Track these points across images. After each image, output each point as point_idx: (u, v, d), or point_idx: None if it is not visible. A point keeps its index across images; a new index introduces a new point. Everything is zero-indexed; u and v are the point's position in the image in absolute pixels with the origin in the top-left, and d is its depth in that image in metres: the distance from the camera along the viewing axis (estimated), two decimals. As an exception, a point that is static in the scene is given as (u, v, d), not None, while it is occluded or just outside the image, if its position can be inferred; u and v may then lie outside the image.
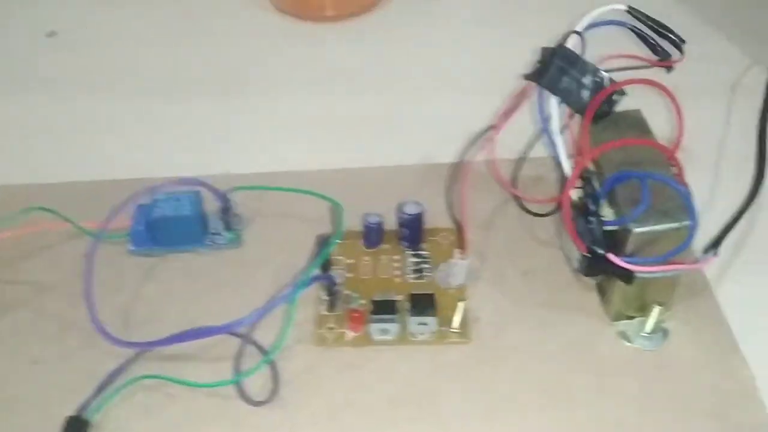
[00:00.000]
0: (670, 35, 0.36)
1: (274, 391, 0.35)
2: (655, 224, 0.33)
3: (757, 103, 0.48)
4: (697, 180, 0.44)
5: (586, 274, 0.36)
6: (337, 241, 0.39)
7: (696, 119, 0.49)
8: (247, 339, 0.35)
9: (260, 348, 0.36)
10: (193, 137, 0.50)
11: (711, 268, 0.39)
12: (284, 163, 0.46)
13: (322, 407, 0.34)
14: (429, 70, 0.54)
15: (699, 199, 0.43)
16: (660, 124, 0.39)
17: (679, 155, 0.41)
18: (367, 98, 0.52)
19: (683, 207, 0.33)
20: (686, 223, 0.32)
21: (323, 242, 0.35)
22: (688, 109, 0.49)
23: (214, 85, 0.54)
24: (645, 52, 0.37)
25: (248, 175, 0.45)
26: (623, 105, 0.38)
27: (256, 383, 0.35)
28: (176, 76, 0.55)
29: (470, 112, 0.45)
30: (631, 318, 0.37)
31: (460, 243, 0.38)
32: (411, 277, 0.39)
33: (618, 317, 0.37)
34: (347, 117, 0.50)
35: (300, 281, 0.34)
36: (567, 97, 0.35)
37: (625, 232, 0.33)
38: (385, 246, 0.41)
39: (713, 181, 0.44)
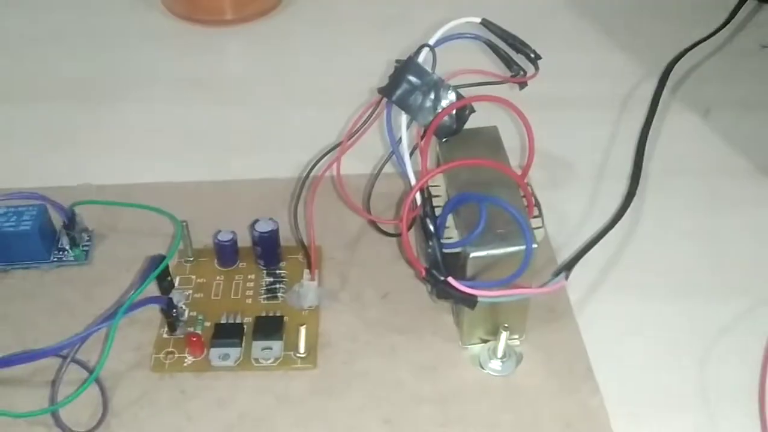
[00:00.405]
0: (526, 50, 0.35)
1: (101, 421, 0.33)
2: (492, 248, 0.31)
3: (644, 118, 0.48)
4: (576, 196, 0.44)
5: (439, 297, 0.35)
6: (179, 261, 0.38)
7: (583, 132, 0.49)
8: (68, 363, 0.32)
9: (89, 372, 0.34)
10: (54, 146, 0.47)
11: (576, 289, 0.38)
12: (147, 175, 0.44)
13: (148, 439, 0.33)
14: (309, 81, 0.53)
15: (574, 217, 0.43)
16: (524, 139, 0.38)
17: (555, 170, 0.41)
18: (240, 108, 0.50)
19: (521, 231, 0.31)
20: (523, 247, 0.31)
21: (156, 262, 0.33)
22: (576, 122, 0.49)
23: (87, 91, 0.52)
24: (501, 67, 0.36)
25: (109, 186, 0.43)
26: (483, 120, 0.37)
27: (85, 412, 0.33)
28: (48, 80, 0.53)
29: (343, 125, 0.43)
30: (484, 341, 0.35)
31: (308, 263, 0.37)
32: (263, 299, 0.37)
33: (469, 341, 0.35)
34: (218, 127, 0.49)
35: (125, 304, 0.32)
36: (415, 114, 0.34)
37: (464, 255, 0.32)
38: (241, 265, 0.39)
39: (592, 198, 0.43)
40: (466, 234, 0.32)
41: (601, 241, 0.39)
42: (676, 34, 0.54)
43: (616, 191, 0.43)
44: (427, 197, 0.32)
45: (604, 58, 0.54)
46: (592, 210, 0.42)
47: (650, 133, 0.46)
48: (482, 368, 0.35)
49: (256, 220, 0.38)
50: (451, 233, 0.33)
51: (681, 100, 0.50)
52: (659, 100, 0.48)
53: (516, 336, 0.35)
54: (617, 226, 0.39)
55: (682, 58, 0.52)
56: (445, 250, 0.32)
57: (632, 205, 0.42)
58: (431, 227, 0.31)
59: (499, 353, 0.34)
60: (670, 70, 0.50)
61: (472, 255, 0.31)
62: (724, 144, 0.47)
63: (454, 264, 0.33)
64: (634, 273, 0.39)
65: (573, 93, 0.50)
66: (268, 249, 0.38)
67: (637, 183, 0.42)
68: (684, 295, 0.38)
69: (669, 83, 0.50)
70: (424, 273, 0.32)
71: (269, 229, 0.37)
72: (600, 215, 0.42)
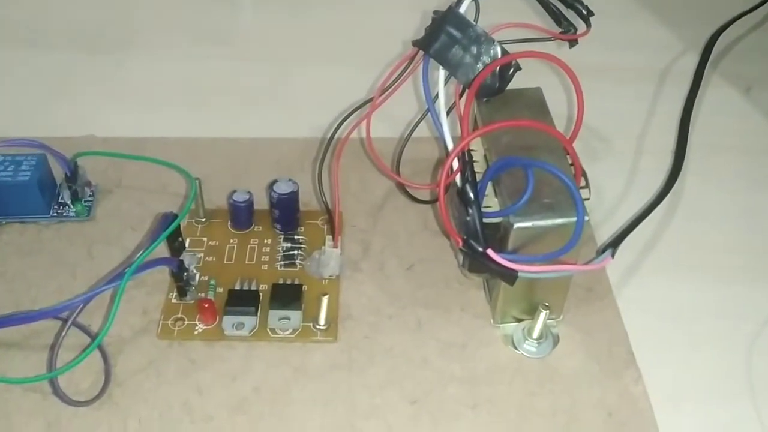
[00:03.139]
0: (577, 5, 0.32)
1: (104, 391, 0.30)
2: (538, 219, 0.28)
3: (685, 92, 0.45)
4: (614, 171, 0.41)
5: (471, 270, 0.32)
6: (189, 221, 0.35)
7: (621, 105, 0.46)
8: (69, 326, 0.29)
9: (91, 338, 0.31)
10: (59, 95, 0.44)
11: (615, 269, 0.35)
12: (157, 130, 0.41)
13: (154, 411, 0.30)
14: (334, 37, 0.50)
15: (613, 193, 0.41)
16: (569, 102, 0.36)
17: (592, 142, 0.38)
18: (258, 64, 0.47)
19: (572, 201, 0.29)
20: (573, 219, 0.28)
21: (167, 221, 0.30)
22: (614, 94, 0.46)
23: (97, 40, 0.49)
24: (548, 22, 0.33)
25: (115, 139, 0.40)
26: (523, 82, 0.34)
27: (86, 380, 0.31)
28: (57, 26, 0.50)
29: (369, 87, 0.41)
30: (518, 321, 0.33)
31: (332, 229, 0.34)
32: (280, 265, 0.35)
33: (503, 319, 0.33)
34: (234, 82, 0.46)
35: (133, 263, 0.29)
36: (455, 70, 0.31)
37: (506, 226, 0.29)
38: (257, 228, 0.36)
39: (631, 174, 0.41)
40: (509, 203, 0.29)
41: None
42: (716, 7, 0.51)
43: (655, 167, 0.40)
44: (468, 161, 0.30)
45: (643, 29, 0.51)
46: (630, 186, 0.40)
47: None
48: (515, 349, 0.32)
49: (275, 181, 0.35)
50: (490, 202, 0.31)
51: (721, 75, 0.47)
52: (702, 74, 0.45)
53: (553, 316, 0.33)
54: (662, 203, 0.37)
55: (724, 32, 0.49)
56: (485, 220, 0.29)
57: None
58: (471, 194, 0.29)
59: (535, 334, 0.32)
60: (713, 44, 0.48)
61: (516, 226, 0.28)
62: (767, 122, 0.45)
63: (493, 236, 0.30)
64: (675, 254, 0.37)
65: (610, 63, 0.47)
66: (286, 212, 0.35)
67: (683, 159, 0.39)
68: (729, 279, 0.36)
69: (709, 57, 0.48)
70: (461, 243, 0.29)
71: (289, 190, 0.35)
72: (639, 192, 0.39)
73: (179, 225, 0.32)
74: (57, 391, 0.29)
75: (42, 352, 0.31)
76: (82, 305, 0.29)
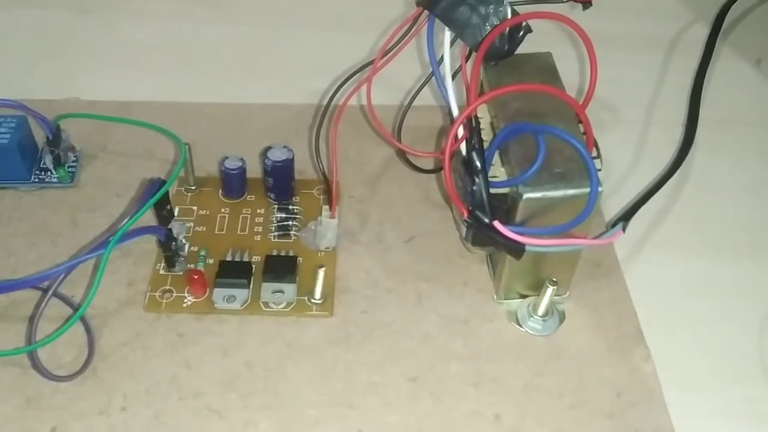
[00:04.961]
0: (593, -36, 0.30)
1: (87, 365, 0.29)
2: (549, 189, 0.27)
3: (695, 63, 0.44)
4: (622, 143, 0.39)
5: (474, 244, 0.31)
6: (178, 189, 0.34)
7: (629, 74, 0.44)
8: (49, 297, 0.28)
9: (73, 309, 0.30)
10: (41, 57, 0.42)
11: (623, 244, 0.34)
12: (145, 94, 0.39)
13: (140, 387, 0.28)
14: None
15: (621, 165, 0.39)
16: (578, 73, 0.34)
17: (599, 113, 0.36)
18: (251, 28, 0.45)
19: (585, 170, 0.27)
20: (586, 189, 0.27)
21: (155, 187, 0.29)
22: (621, 63, 0.45)
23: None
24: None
25: (101, 102, 0.38)
26: (531, 49, 0.32)
27: (68, 354, 0.29)
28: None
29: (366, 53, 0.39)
30: (523, 297, 0.31)
31: (329, 198, 0.33)
32: (274, 236, 0.33)
33: (507, 295, 0.31)
34: (226, 46, 0.44)
35: (118, 231, 0.28)
36: (462, 31, 0.29)
37: (514, 197, 0.28)
38: (249, 197, 0.35)
39: (639, 146, 0.39)
40: (517, 171, 0.27)
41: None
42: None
43: (665, 139, 0.39)
44: (475, 127, 0.28)
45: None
46: (639, 158, 0.38)
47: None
48: (520, 326, 0.31)
49: (269, 148, 0.33)
50: (496, 171, 0.29)
51: (732, 46, 0.46)
52: (714, 45, 0.44)
53: (560, 293, 0.31)
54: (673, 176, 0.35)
55: (735, 2, 0.47)
56: (492, 190, 0.27)
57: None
58: (478, 162, 0.27)
59: (541, 311, 0.31)
60: (725, 14, 0.46)
61: (525, 196, 0.27)
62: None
63: (500, 207, 0.28)
64: (685, 229, 0.35)
65: (618, 31, 0.46)
66: (281, 180, 0.33)
67: (694, 132, 0.37)
68: (740, 255, 0.34)
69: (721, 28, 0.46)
70: (466, 214, 0.28)
71: (284, 157, 0.33)
72: (648, 164, 0.37)
73: (167, 192, 0.30)
74: (37, 365, 0.28)
75: (21, 323, 0.29)
76: (63, 274, 0.27)
